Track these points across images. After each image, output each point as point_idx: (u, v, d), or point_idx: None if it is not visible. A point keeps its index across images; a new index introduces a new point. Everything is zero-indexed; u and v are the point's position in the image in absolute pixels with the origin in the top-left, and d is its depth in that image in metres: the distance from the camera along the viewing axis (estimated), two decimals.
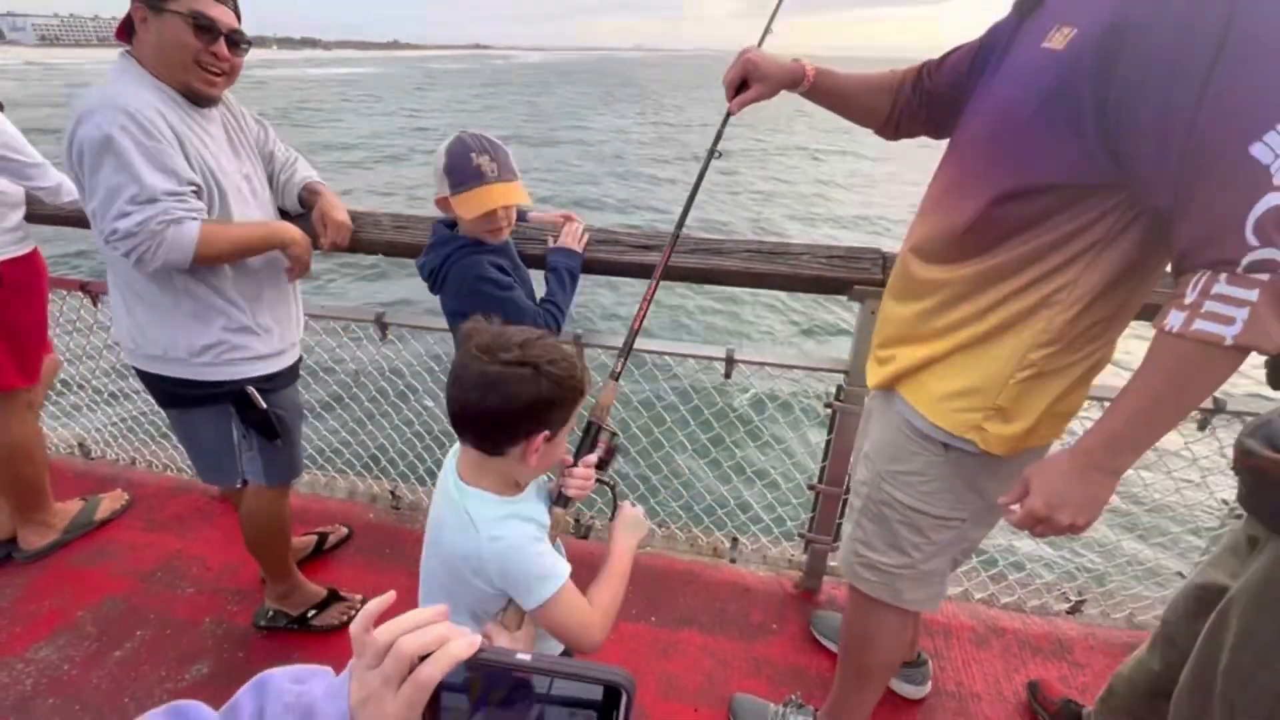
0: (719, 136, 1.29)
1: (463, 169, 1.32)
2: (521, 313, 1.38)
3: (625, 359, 1.09)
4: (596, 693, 0.45)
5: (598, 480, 1.06)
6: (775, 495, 2.19)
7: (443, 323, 1.96)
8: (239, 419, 1.59)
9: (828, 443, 1.88)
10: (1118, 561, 2.16)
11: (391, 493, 2.33)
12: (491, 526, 0.90)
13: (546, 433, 0.89)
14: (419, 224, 1.79)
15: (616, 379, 1.07)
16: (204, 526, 2.29)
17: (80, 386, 2.63)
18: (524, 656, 0.46)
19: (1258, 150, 0.76)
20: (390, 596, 0.54)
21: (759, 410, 2.06)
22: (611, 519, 1.05)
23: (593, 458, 1.02)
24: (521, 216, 1.70)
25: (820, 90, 1.31)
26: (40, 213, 1.92)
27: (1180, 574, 1.90)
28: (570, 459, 1.02)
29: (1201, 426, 1.65)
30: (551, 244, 1.63)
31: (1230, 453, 1.73)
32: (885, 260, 1.58)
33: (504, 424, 0.87)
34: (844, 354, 1.81)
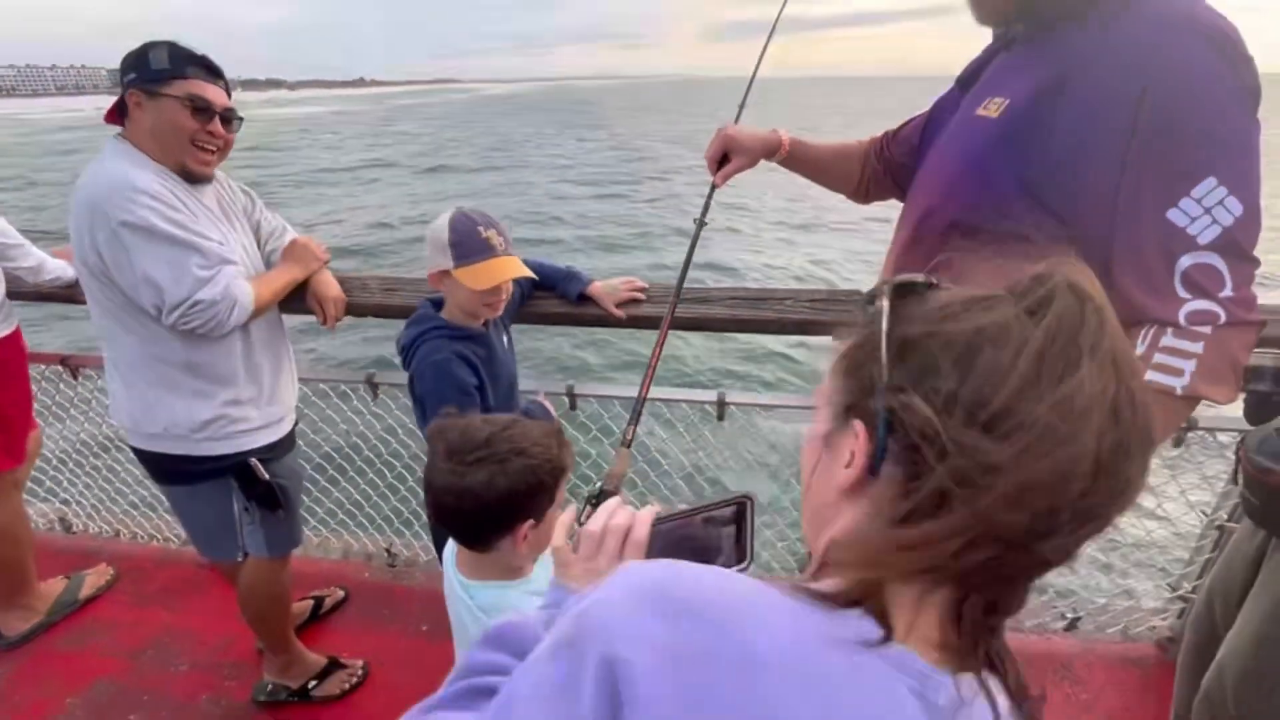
0: (706, 207, 1.35)
1: (470, 242, 1.32)
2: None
3: (635, 424, 1.11)
4: (730, 511, 0.64)
5: None
6: (797, 533, 2.21)
7: None
8: (240, 492, 1.57)
9: None
10: (1110, 575, 2.21)
11: (387, 550, 2.30)
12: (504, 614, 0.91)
13: (531, 521, 0.89)
14: (407, 286, 1.80)
15: (629, 446, 1.09)
16: (194, 598, 2.23)
17: (60, 460, 2.57)
18: (683, 505, 0.64)
19: (1174, 215, 0.83)
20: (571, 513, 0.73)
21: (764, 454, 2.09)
22: None
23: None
24: (576, 294, 1.64)
25: (796, 159, 1.38)
26: (20, 290, 1.90)
27: (1169, 586, 1.96)
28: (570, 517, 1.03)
29: (1177, 444, 1.72)
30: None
31: (1206, 467, 1.81)
32: None
33: (483, 524, 0.87)
34: None
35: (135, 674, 1.95)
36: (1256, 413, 1.18)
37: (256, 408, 1.55)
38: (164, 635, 2.08)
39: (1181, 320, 0.85)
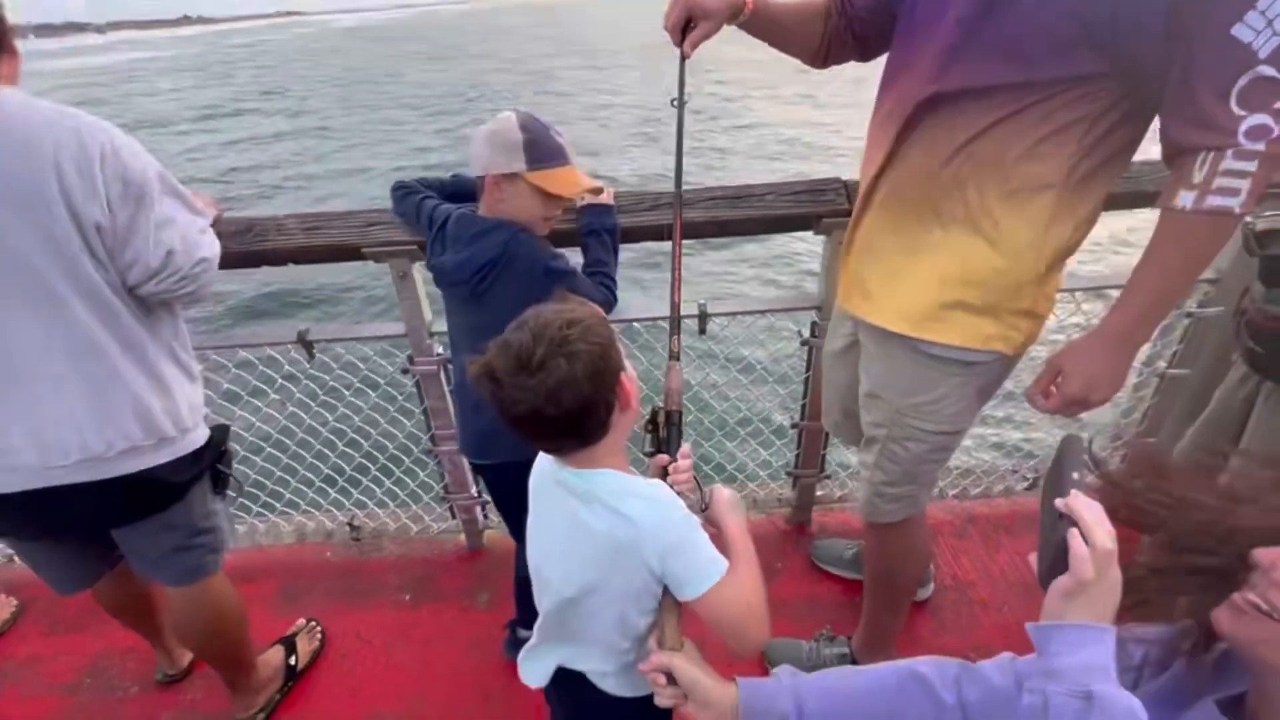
0: (681, 84, 1.20)
1: (547, 144, 1.24)
2: (587, 291, 1.31)
3: (677, 334, 1.01)
4: None
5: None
6: (759, 440, 2.20)
7: (377, 329, 1.75)
8: (211, 481, 1.34)
9: (806, 380, 1.89)
10: (1055, 433, 2.40)
11: (349, 524, 2.09)
12: (639, 498, 0.83)
13: (622, 374, 0.83)
14: (334, 223, 1.54)
15: (677, 358, 0.99)
16: None
17: None
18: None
19: (1239, 30, 0.81)
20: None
21: (733, 360, 2.03)
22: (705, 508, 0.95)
23: (687, 446, 0.95)
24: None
25: (760, 19, 1.25)
26: None
27: (1117, 437, 2.13)
28: (665, 458, 0.93)
29: None
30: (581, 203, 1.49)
31: None
32: (848, 188, 1.56)
33: (593, 406, 0.80)
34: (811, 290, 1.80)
35: (77, 709, 1.70)
36: (1274, 276, 1.23)
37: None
38: (99, 661, 1.81)
39: (1241, 139, 0.85)
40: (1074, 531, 0.64)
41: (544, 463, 0.92)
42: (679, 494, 0.87)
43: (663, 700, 0.86)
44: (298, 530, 2.13)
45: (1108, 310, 1.05)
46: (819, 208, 1.55)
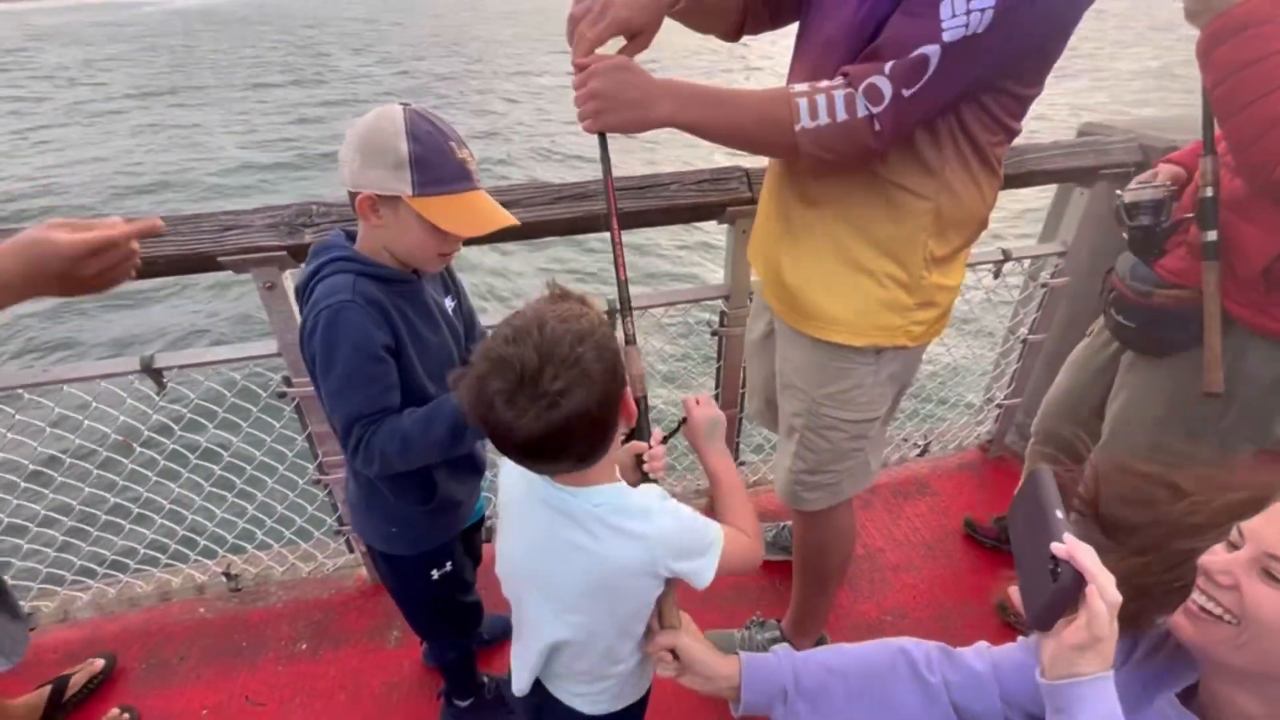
0: (607, 168, 1.04)
1: (442, 162, 0.92)
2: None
3: (629, 316, 0.95)
4: None
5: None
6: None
7: (243, 349, 1.53)
8: None
9: (718, 369, 1.89)
10: (943, 405, 2.60)
11: (225, 574, 1.83)
12: (643, 515, 0.82)
13: (627, 389, 0.79)
14: (179, 228, 1.31)
15: (632, 342, 0.93)
16: None
17: None
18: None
19: (944, 6, 0.84)
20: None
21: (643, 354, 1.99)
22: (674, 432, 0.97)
23: (659, 431, 0.93)
24: None
25: (691, 4, 1.14)
26: None
27: (990, 399, 2.33)
28: (640, 445, 0.91)
29: (996, 275, 1.97)
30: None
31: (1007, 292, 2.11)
32: (749, 177, 1.57)
33: (603, 428, 0.76)
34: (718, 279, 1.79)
35: None
36: (1142, 246, 1.33)
37: None
38: None
39: (859, 88, 0.88)
40: (1093, 589, 0.63)
41: (520, 479, 0.87)
42: (654, 480, 0.89)
43: (665, 672, 0.92)
44: (159, 588, 1.83)
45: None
46: (724, 196, 1.54)
